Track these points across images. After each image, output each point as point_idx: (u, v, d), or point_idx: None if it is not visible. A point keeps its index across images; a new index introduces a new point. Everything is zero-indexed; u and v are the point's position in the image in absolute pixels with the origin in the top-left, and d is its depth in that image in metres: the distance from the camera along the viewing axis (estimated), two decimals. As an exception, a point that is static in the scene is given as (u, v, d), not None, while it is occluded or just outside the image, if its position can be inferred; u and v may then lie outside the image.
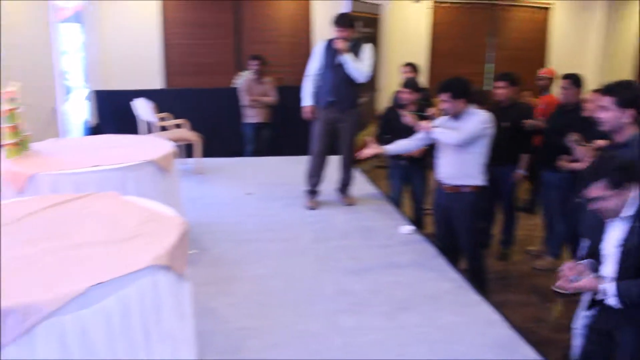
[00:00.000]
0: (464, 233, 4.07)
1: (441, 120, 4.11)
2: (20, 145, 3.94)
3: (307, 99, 5.17)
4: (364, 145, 4.27)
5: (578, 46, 11.30)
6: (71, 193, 3.32)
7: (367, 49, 5.05)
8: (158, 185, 4.00)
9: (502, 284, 4.70)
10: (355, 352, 2.94)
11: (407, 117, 4.44)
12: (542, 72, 6.21)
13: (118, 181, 3.70)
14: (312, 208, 5.24)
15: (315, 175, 5.31)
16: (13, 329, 1.86)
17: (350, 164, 5.39)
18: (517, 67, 10.14)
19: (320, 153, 5.25)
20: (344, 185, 5.46)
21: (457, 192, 3.98)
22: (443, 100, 3.90)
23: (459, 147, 3.86)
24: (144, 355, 2.19)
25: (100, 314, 2.02)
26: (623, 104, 2.86)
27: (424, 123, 4.16)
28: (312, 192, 5.35)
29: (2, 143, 3.84)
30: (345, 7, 8.38)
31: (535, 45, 11.15)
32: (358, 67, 4.97)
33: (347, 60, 4.94)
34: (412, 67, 6.35)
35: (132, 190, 3.73)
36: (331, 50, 5.01)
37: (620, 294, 2.39)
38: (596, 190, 2.40)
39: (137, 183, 3.80)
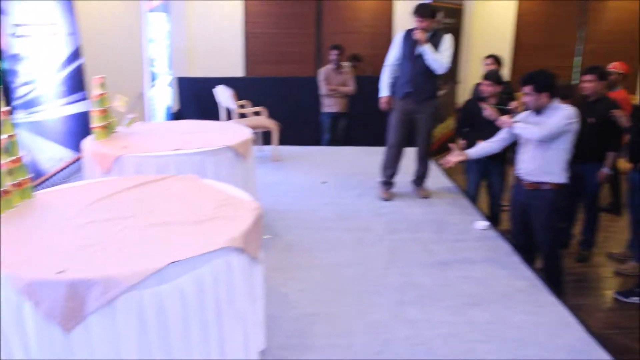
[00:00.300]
0: (541, 231, 3.94)
1: (523, 115, 3.99)
2: (108, 128, 4.15)
3: (384, 90, 5.14)
4: (444, 147, 4.17)
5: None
6: (154, 175, 3.48)
7: (446, 40, 4.96)
8: (235, 170, 4.11)
9: (579, 286, 4.53)
10: (422, 344, 2.92)
11: (488, 110, 4.34)
12: (611, 67, 5.89)
13: (197, 165, 3.84)
14: (386, 199, 5.22)
15: (390, 166, 5.28)
16: (95, 300, 1.97)
17: (426, 156, 5.33)
18: (608, 61, 9.70)
19: (396, 144, 5.22)
20: (420, 178, 5.40)
21: (537, 189, 3.86)
22: (525, 93, 3.79)
23: (541, 143, 3.74)
24: (215, 334, 2.28)
25: (177, 291, 2.11)
26: None
27: (504, 118, 4.05)
28: (387, 183, 5.33)
29: (92, 126, 4.06)
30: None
31: (630, 38, 10.57)
32: (437, 58, 4.89)
33: (427, 51, 4.86)
34: (495, 59, 6.16)
35: (211, 174, 3.86)
36: (410, 41, 4.95)
37: None
38: None
39: (215, 167, 3.93)
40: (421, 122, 5.16)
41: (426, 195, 5.34)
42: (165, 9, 7.72)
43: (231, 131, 4.51)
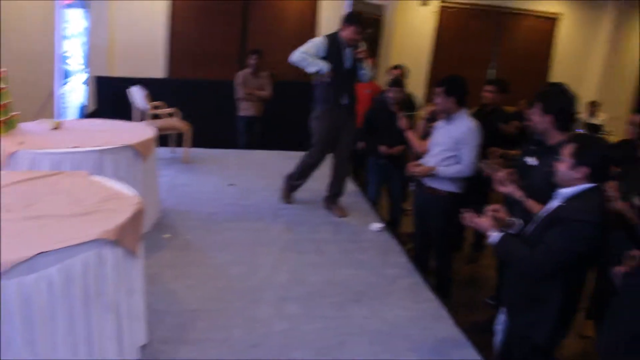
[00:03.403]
0: (436, 234, 4.13)
1: (437, 123, 4.12)
2: (7, 124, 4.11)
3: (324, 64, 4.72)
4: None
5: (582, 59, 11.33)
6: (47, 170, 3.49)
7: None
8: (135, 169, 4.15)
9: (467, 286, 4.79)
10: (297, 337, 3.07)
11: (402, 120, 4.42)
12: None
13: (94, 162, 3.87)
14: (289, 202, 5.31)
15: (308, 175, 5.17)
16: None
17: (347, 171, 5.21)
18: (519, 75, 10.29)
19: (324, 155, 5.05)
20: (337, 195, 5.21)
21: (434, 195, 4.01)
22: (436, 94, 3.94)
23: (444, 153, 3.90)
24: (83, 325, 2.34)
25: (43, 281, 2.17)
26: (546, 110, 2.97)
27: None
28: (294, 188, 5.32)
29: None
30: (346, 7, 8.52)
31: (540, 54, 11.22)
32: (369, 70, 4.90)
33: (367, 64, 4.84)
34: (402, 69, 6.40)
35: (109, 173, 3.90)
36: (339, 50, 4.78)
37: (498, 244, 2.58)
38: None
39: (113, 166, 3.97)
40: (347, 134, 5.01)
41: (344, 215, 5.11)
42: (83, 5, 7.59)
43: (134, 131, 4.55)
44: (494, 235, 2.61)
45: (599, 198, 2.48)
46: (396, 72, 6.29)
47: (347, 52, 4.81)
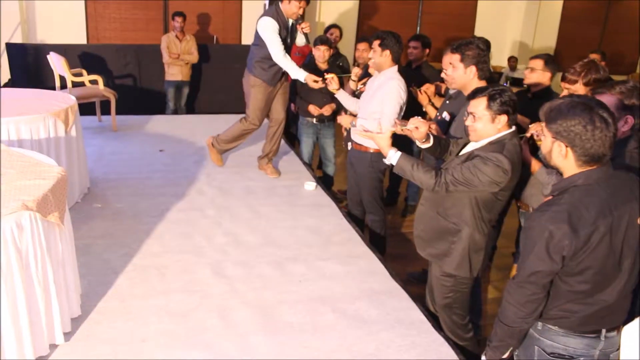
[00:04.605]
0: (365, 190, 4.19)
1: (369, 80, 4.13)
2: None
3: (301, 70, 4.65)
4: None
5: (503, 15, 11.58)
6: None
7: None
8: (56, 138, 3.99)
9: (403, 238, 4.90)
10: (236, 297, 3.07)
11: (330, 81, 4.36)
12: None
13: (12, 133, 3.70)
14: (220, 165, 5.23)
15: (241, 140, 5.09)
16: None
17: (281, 132, 5.17)
18: (446, 32, 10.45)
19: (260, 124, 4.97)
20: (271, 155, 5.21)
21: (361, 151, 4.06)
22: (372, 48, 3.92)
23: (371, 108, 3.90)
24: (7, 298, 2.25)
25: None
26: (467, 62, 2.98)
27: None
28: (225, 152, 5.23)
29: None
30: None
31: (465, 11, 11.38)
32: (307, 37, 4.90)
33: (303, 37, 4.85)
34: (339, 29, 6.28)
35: (28, 143, 3.74)
36: (285, 25, 4.68)
37: (397, 164, 2.67)
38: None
39: (33, 135, 3.80)
40: (283, 99, 5.01)
41: (278, 174, 5.15)
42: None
43: (53, 99, 4.35)
44: (391, 156, 2.67)
45: (516, 144, 2.56)
46: (334, 30, 6.17)
47: (290, 25, 4.76)
